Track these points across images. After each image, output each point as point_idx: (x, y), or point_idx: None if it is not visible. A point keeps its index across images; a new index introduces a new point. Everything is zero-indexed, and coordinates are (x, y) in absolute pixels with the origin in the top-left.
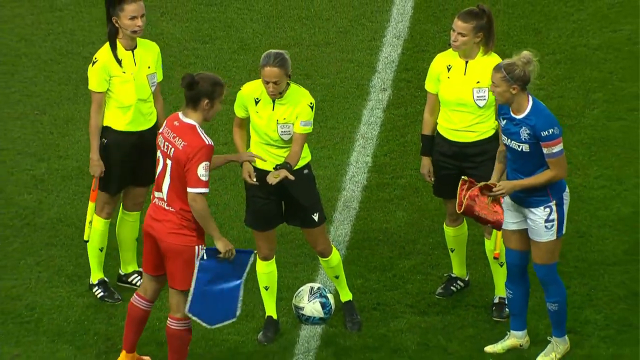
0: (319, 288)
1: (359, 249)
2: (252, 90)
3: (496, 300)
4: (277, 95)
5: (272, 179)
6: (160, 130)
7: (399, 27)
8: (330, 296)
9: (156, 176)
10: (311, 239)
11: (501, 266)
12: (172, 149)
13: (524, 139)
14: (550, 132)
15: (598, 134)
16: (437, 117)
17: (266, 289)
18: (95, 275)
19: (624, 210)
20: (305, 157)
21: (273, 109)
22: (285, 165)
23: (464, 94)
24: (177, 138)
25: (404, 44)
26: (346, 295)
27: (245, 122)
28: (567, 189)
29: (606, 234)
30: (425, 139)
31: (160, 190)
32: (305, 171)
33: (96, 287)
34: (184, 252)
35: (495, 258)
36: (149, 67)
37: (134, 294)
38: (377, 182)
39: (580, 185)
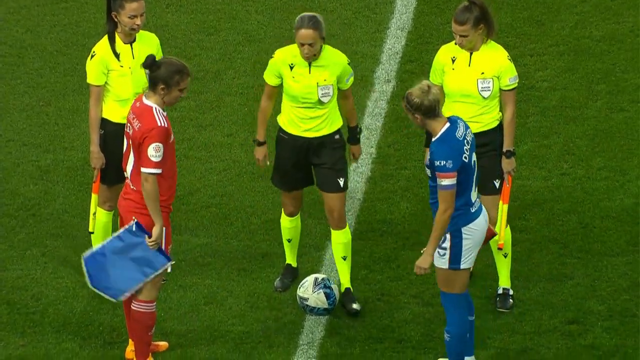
0: (323, 279)
1: (363, 240)
2: (285, 56)
3: (500, 291)
4: (311, 57)
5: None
6: (128, 112)
7: (403, 18)
8: (334, 287)
9: (123, 155)
10: (331, 205)
11: (505, 257)
12: (131, 130)
13: (427, 162)
14: (442, 164)
15: (601, 126)
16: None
17: (289, 241)
18: None
19: (627, 202)
20: (337, 122)
21: (310, 72)
22: (353, 138)
23: (468, 85)
24: (135, 119)
25: (408, 35)
26: (347, 284)
27: (275, 92)
28: (474, 225)
29: (609, 225)
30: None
31: (125, 169)
32: (337, 136)
33: None
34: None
35: (499, 249)
36: None
37: None
38: (381, 173)
39: (583, 176)
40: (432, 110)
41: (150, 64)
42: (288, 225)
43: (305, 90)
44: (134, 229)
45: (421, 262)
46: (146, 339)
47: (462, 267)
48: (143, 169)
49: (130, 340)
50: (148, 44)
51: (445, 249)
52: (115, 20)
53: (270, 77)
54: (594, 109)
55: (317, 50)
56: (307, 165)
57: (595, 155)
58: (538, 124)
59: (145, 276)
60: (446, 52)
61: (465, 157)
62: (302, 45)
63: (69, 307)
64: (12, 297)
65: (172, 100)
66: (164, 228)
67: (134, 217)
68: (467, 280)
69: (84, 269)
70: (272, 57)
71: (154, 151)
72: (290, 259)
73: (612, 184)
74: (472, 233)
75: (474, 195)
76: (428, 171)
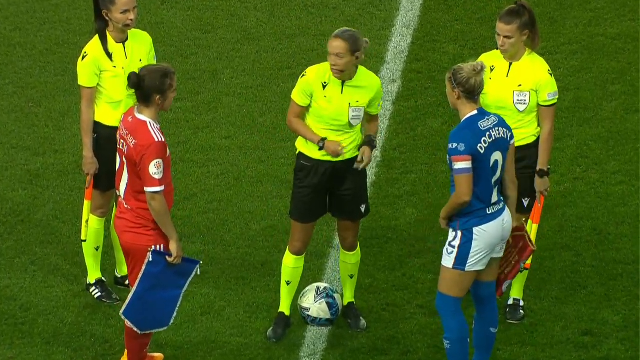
0: (325, 288)
1: (367, 248)
2: (318, 74)
3: (510, 302)
4: (338, 73)
5: (360, 165)
6: (119, 126)
7: (409, 15)
8: (337, 296)
9: (116, 173)
10: (345, 231)
11: (521, 271)
12: (126, 147)
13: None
14: (454, 146)
15: (616, 128)
16: None
17: (287, 284)
18: (92, 275)
19: None
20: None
21: (342, 92)
22: (370, 142)
23: (504, 96)
24: (129, 135)
25: (414, 33)
26: (350, 298)
27: (303, 113)
28: (487, 227)
29: (625, 232)
30: None
31: (118, 188)
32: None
33: (93, 287)
34: (138, 251)
35: (525, 269)
36: (140, 60)
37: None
38: (386, 178)
39: (597, 181)
40: (473, 91)
41: (136, 82)
42: (292, 265)
43: (337, 111)
44: (151, 259)
45: (440, 222)
46: (140, 356)
47: (466, 269)
48: (147, 189)
49: (126, 351)
50: (141, 42)
51: (453, 247)
52: (107, 18)
53: (300, 97)
54: (608, 110)
55: (345, 67)
56: (326, 192)
57: (610, 158)
58: None
59: (182, 288)
60: (486, 61)
61: (481, 148)
62: (329, 55)
63: (59, 317)
64: (0, 307)
65: (168, 105)
66: (179, 242)
67: (149, 248)
68: (469, 285)
69: (127, 322)
70: (303, 75)
71: (155, 168)
72: (285, 306)
73: (627, 189)
74: (483, 235)
75: (494, 196)
76: (448, 159)
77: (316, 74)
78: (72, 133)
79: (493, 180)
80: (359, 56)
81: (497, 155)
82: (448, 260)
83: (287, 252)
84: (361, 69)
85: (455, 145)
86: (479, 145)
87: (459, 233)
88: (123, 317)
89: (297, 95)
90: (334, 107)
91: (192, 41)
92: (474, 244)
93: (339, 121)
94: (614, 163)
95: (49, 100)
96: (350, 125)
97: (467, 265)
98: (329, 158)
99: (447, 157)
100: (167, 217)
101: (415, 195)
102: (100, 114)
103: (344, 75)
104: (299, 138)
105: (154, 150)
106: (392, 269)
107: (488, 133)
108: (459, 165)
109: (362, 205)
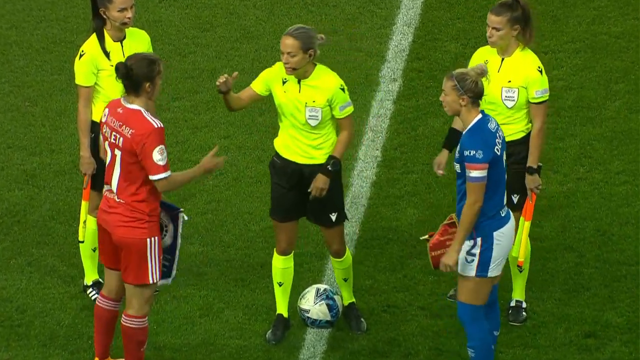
0: (325, 290)
1: (367, 248)
2: (281, 69)
3: (512, 304)
4: (291, 70)
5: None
6: (104, 120)
7: (410, 14)
8: (337, 298)
9: (105, 168)
10: (327, 237)
11: (521, 271)
12: (121, 139)
13: (456, 157)
14: (471, 154)
15: (620, 127)
16: None
17: (280, 285)
18: (89, 276)
19: None
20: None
21: (299, 91)
22: (324, 168)
23: (493, 91)
24: (124, 126)
25: (415, 31)
26: (350, 299)
27: (249, 99)
28: (505, 230)
29: (628, 232)
30: (452, 132)
31: (109, 182)
32: (329, 167)
33: (90, 289)
34: (134, 245)
35: (518, 266)
36: None
37: (99, 295)
38: (386, 178)
39: (601, 181)
40: (481, 94)
41: (125, 72)
42: (280, 265)
43: (295, 108)
44: (186, 218)
45: (447, 259)
46: (138, 355)
47: (489, 275)
48: (153, 177)
49: (96, 358)
50: (139, 41)
51: (474, 255)
52: (104, 16)
53: (257, 82)
54: (612, 110)
55: (297, 64)
56: (302, 194)
57: (614, 158)
58: (553, 125)
59: (178, 237)
60: (482, 55)
61: (497, 150)
62: (282, 54)
63: (56, 319)
64: None
65: (156, 93)
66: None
67: (182, 209)
68: (489, 291)
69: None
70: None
71: (159, 155)
72: (281, 308)
73: (631, 189)
74: (502, 239)
75: (504, 197)
76: (457, 166)
77: (279, 69)
78: (69, 132)
79: (505, 180)
80: (312, 54)
81: (504, 155)
82: (469, 269)
83: (275, 254)
84: (320, 68)
85: (472, 152)
86: (496, 147)
87: (479, 240)
88: (170, 281)
89: (256, 81)
90: (292, 104)
91: (190, 40)
92: (495, 248)
93: (298, 120)
94: (617, 163)
95: (45, 99)
96: (310, 126)
97: (489, 270)
98: (296, 159)
99: (458, 164)
100: (183, 182)
101: (416, 195)
102: (97, 113)
103: (298, 73)
104: (277, 137)
105: (155, 137)
106: (392, 270)
107: (498, 134)
108: (476, 173)
109: (333, 214)
